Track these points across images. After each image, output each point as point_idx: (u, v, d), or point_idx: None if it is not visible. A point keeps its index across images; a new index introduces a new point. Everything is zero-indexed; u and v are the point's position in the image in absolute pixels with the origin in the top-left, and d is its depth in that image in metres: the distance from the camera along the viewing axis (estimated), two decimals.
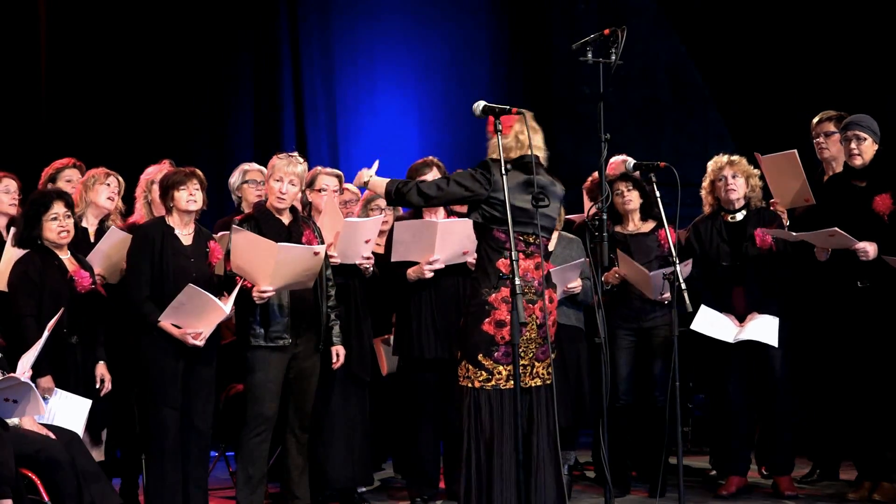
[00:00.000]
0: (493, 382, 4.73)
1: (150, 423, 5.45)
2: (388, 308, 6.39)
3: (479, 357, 4.73)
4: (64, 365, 5.33)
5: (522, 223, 4.76)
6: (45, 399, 5.16)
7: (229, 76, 9.62)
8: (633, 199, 6.30)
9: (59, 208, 5.37)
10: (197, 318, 5.34)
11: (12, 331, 5.25)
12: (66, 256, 5.44)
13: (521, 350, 4.67)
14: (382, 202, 6.41)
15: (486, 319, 4.72)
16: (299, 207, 5.93)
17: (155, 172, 6.11)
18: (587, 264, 6.27)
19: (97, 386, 5.44)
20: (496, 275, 4.73)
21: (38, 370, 5.12)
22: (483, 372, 4.73)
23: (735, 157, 6.28)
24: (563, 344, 5.96)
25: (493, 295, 4.71)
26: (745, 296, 6.17)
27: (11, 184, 5.96)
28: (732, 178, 6.22)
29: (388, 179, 5.02)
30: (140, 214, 6.17)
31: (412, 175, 6.13)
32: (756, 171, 6.29)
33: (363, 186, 5.18)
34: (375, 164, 5.18)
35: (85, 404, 5.30)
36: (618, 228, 6.35)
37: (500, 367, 4.72)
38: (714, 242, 6.26)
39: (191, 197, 5.49)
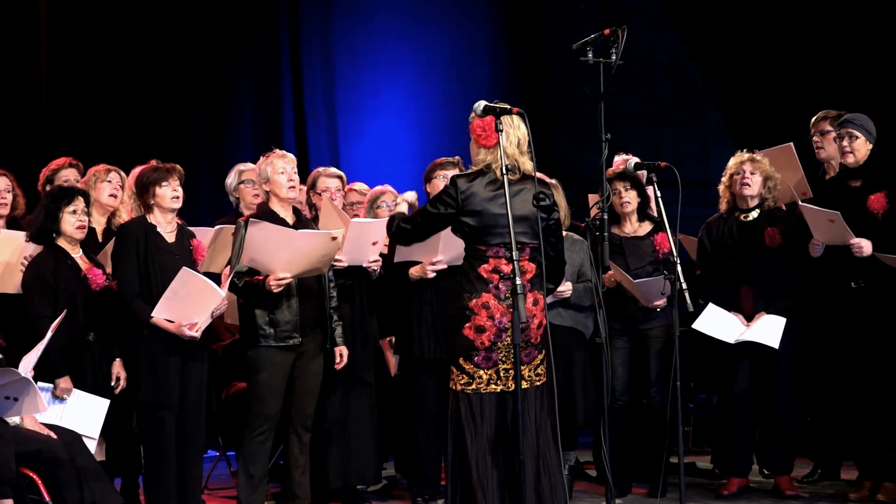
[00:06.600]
0: (473, 386, 4.70)
1: (147, 423, 5.43)
2: (394, 308, 6.38)
3: (461, 361, 4.71)
4: (81, 364, 5.33)
5: (497, 233, 4.66)
6: (62, 400, 5.18)
7: (229, 77, 9.62)
8: (630, 199, 6.24)
9: (80, 203, 5.41)
10: (191, 306, 5.29)
11: (28, 332, 5.23)
12: (78, 255, 5.44)
13: (501, 355, 4.66)
14: (388, 199, 6.34)
15: (467, 324, 4.67)
16: (304, 208, 5.91)
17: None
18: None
19: (112, 384, 5.42)
20: (478, 280, 4.66)
21: (56, 371, 5.15)
22: (464, 376, 4.70)
23: (758, 156, 6.27)
24: (557, 345, 5.94)
25: (474, 300, 4.65)
26: (753, 295, 6.17)
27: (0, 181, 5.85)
28: (750, 173, 6.21)
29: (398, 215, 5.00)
30: (130, 216, 6.04)
31: (431, 171, 6.12)
32: (777, 176, 6.25)
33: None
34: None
35: (103, 404, 5.29)
36: (614, 230, 6.26)
37: (481, 372, 4.68)
38: (725, 241, 6.26)
39: (174, 193, 5.48)
